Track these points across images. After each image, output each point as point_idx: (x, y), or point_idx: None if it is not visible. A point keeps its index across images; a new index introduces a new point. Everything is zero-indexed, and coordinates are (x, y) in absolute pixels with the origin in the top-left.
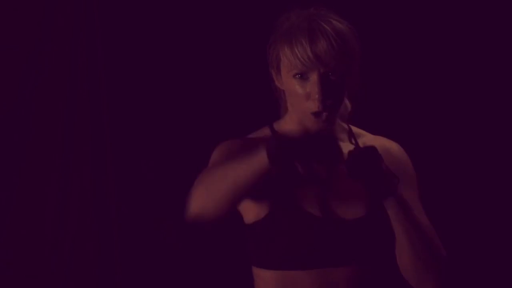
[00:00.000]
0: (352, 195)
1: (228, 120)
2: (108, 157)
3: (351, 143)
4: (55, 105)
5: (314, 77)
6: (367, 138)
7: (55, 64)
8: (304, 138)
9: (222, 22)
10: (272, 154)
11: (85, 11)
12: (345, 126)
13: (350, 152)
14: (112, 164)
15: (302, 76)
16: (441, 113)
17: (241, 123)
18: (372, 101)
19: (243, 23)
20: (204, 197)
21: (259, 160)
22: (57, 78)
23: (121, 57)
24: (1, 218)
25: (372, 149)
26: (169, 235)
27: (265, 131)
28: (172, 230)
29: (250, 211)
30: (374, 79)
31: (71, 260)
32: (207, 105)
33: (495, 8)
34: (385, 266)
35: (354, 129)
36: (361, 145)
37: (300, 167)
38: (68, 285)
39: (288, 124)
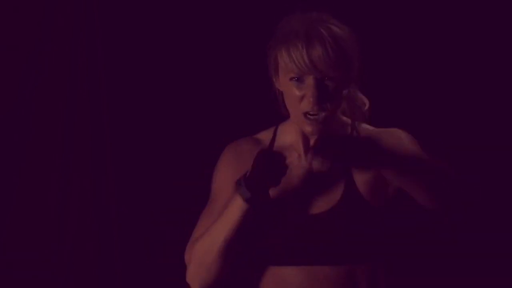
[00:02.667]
0: (328, 188)
1: (228, 120)
2: (108, 157)
3: (352, 135)
4: (55, 105)
5: (309, 80)
6: (369, 131)
7: (55, 64)
8: (297, 149)
9: (222, 22)
10: (248, 198)
11: (85, 11)
12: (348, 120)
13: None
14: (112, 164)
15: (299, 79)
16: (444, 115)
17: (241, 123)
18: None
19: (243, 22)
20: (203, 274)
21: (237, 209)
22: (57, 78)
23: (121, 57)
24: (1, 218)
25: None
26: (169, 235)
27: (270, 134)
28: (172, 229)
29: None
30: (376, 82)
31: (71, 260)
32: (207, 106)
33: (496, 8)
34: (369, 264)
35: (363, 125)
36: (359, 137)
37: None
38: (68, 285)
39: (290, 128)
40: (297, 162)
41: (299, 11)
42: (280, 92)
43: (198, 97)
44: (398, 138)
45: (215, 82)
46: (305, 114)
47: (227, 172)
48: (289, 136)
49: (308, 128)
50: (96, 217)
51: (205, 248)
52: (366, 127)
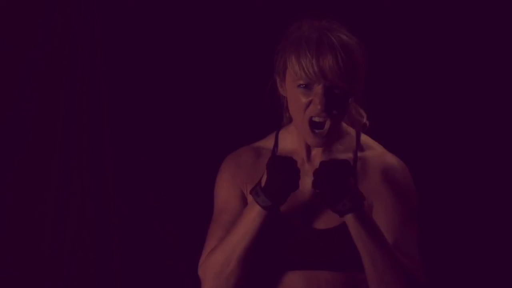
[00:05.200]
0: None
1: (228, 121)
2: (108, 157)
3: (354, 153)
4: (55, 105)
5: (318, 89)
6: (372, 152)
7: (55, 64)
8: (300, 154)
9: (222, 23)
10: (267, 206)
11: (85, 11)
12: (354, 135)
13: (320, 162)
14: (112, 164)
15: (307, 87)
16: (444, 123)
17: (241, 124)
18: (376, 112)
19: (242, 22)
20: (222, 285)
21: (257, 217)
22: (57, 78)
23: (121, 57)
24: (1, 218)
25: (342, 163)
26: (169, 235)
27: (270, 141)
28: (172, 229)
29: None
30: (381, 90)
31: (71, 260)
32: (207, 106)
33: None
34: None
35: (365, 139)
36: (361, 157)
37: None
38: (68, 285)
39: (291, 134)
40: (301, 168)
41: (309, 17)
42: (283, 98)
43: (199, 97)
44: (394, 177)
45: (215, 83)
46: (311, 122)
47: (230, 185)
48: (290, 142)
49: (311, 140)
50: (96, 217)
51: (224, 258)
52: (369, 143)
